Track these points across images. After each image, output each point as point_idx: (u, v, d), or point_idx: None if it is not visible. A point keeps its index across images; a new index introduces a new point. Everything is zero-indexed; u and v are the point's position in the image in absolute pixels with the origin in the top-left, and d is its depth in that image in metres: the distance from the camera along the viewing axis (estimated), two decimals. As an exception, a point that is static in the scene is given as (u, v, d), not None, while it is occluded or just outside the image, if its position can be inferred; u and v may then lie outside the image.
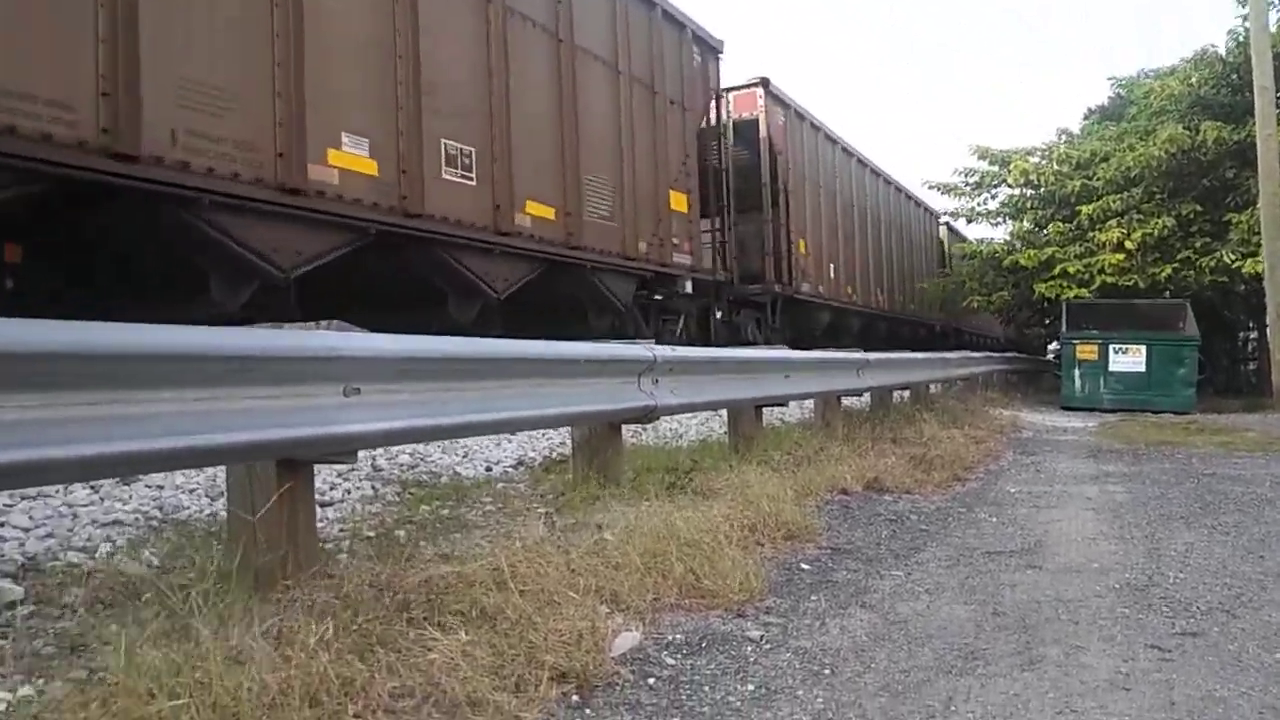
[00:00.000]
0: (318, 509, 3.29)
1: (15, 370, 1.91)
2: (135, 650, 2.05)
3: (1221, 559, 3.91)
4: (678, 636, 2.82)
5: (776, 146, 13.90)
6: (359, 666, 2.16)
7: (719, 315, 11.89)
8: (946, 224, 24.84)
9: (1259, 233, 15.53)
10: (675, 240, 10.78)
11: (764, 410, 7.12)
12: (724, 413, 7.62)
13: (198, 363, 2.37)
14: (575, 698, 2.32)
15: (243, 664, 2.06)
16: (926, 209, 23.74)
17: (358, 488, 4.73)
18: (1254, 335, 20.84)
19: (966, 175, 20.88)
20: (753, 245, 13.31)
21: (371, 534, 3.76)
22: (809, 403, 9.05)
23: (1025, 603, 3.27)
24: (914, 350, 12.70)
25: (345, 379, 2.77)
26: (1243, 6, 17.26)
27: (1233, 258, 16.34)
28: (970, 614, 3.14)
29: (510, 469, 5.96)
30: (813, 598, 3.32)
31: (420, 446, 5.80)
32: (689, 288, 10.99)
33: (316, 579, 2.79)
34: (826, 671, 2.59)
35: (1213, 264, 16.65)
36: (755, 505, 4.21)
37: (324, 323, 2.88)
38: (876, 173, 19.91)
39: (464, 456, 6.06)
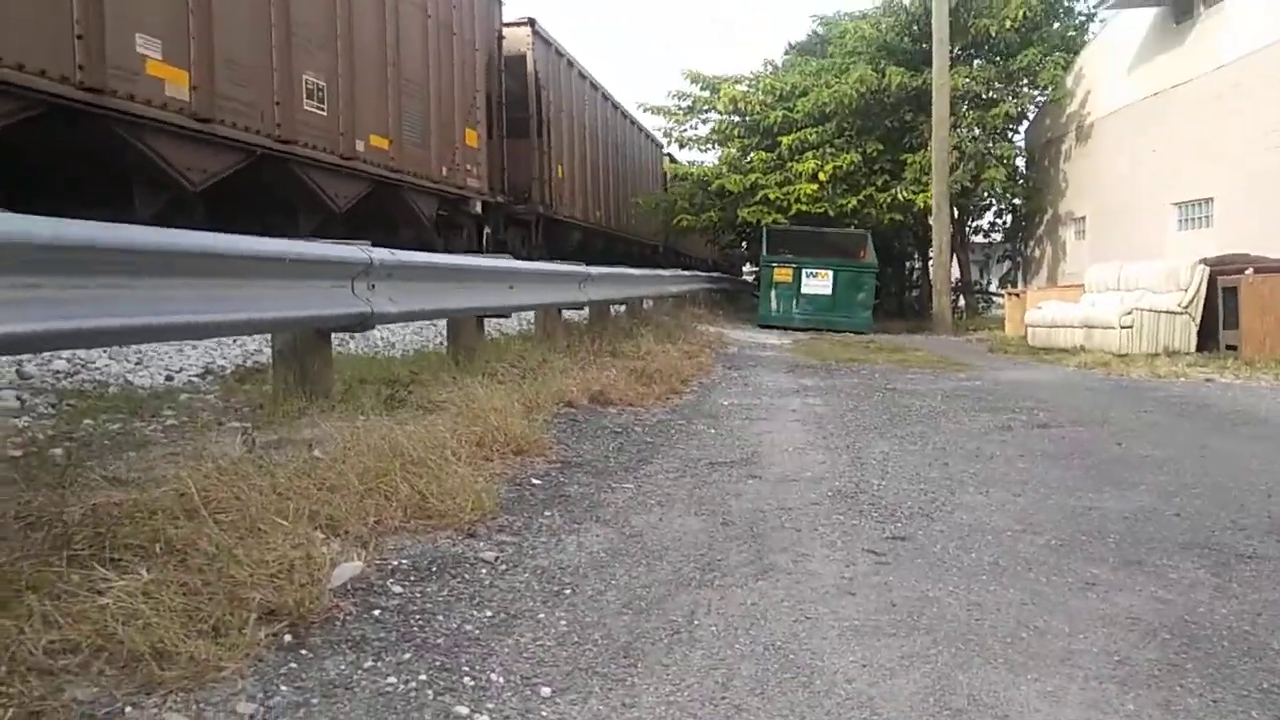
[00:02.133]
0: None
1: None
2: None
3: (915, 466, 4.24)
4: (404, 562, 2.55)
5: (540, 81, 15.11)
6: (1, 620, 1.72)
7: (487, 231, 13.15)
8: (668, 155, 25.81)
9: (929, 173, 17.29)
10: (468, 167, 11.93)
11: (485, 321, 6.85)
12: (442, 322, 7.28)
13: None
14: (288, 638, 2.00)
15: None
16: (654, 141, 24.95)
17: (-3, 398, 3.95)
18: (919, 265, 23.46)
19: (679, 99, 21.40)
20: (521, 169, 14.46)
21: (18, 454, 3.11)
22: (529, 314, 8.90)
23: (751, 512, 3.34)
24: (641, 268, 14.11)
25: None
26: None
27: (906, 195, 18.12)
28: (702, 525, 3.14)
29: (196, 378, 5.28)
30: (546, 514, 3.17)
31: (81, 351, 4.97)
32: (478, 208, 12.38)
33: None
34: (567, 591, 2.45)
35: (889, 200, 18.40)
36: (483, 419, 3.97)
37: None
38: (616, 106, 21.25)
39: (137, 363, 5.28)
